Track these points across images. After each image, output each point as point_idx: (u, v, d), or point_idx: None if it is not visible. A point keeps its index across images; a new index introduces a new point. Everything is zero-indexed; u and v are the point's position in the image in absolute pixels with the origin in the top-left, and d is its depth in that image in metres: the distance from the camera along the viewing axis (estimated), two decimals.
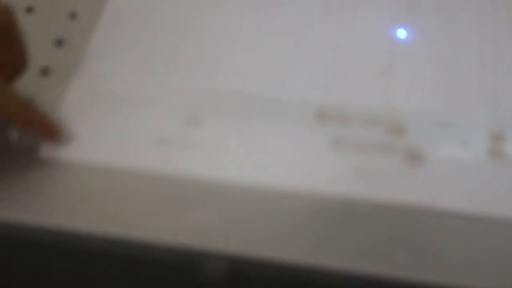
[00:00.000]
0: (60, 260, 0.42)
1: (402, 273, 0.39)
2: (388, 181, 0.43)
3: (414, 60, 0.48)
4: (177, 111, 0.46)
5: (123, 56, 0.49)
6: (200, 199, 0.42)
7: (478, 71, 0.48)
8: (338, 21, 0.50)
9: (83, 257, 0.41)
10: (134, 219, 0.41)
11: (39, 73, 0.48)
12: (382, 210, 0.42)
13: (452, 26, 0.50)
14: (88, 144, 0.44)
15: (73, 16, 0.51)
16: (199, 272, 0.40)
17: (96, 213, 0.41)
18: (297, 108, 0.46)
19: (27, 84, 0.47)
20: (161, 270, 0.41)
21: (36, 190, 0.42)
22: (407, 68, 0.48)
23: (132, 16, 0.51)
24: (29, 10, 0.52)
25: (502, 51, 0.49)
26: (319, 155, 0.44)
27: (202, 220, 0.41)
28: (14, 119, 0.43)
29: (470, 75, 0.48)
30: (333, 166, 0.44)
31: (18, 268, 0.43)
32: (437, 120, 0.45)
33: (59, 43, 0.50)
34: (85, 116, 0.46)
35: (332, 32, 0.50)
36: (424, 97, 0.46)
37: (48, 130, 0.44)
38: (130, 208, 0.42)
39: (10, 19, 0.42)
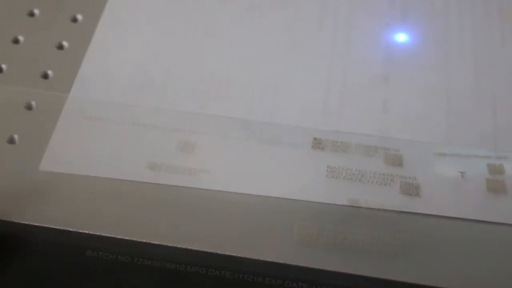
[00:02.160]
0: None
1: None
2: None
3: (410, 66, 0.49)
4: (171, 135, 0.46)
5: (119, 63, 0.50)
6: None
7: (473, 76, 0.48)
8: (333, 28, 0.51)
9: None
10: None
11: (40, 77, 0.49)
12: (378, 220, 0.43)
13: (447, 30, 0.50)
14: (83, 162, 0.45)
15: (74, 20, 0.52)
16: None
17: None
18: (293, 132, 0.46)
19: (29, 87, 0.48)
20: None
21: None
22: (403, 75, 0.48)
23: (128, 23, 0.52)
24: (31, 14, 0.52)
25: (496, 55, 0.49)
26: (314, 182, 0.44)
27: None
28: None
29: (466, 81, 0.48)
30: (327, 194, 0.44)
31: None
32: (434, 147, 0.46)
33: (60, 47, 0.51)
34: (80, 132, 0.46)
35: (327, 39, 0.50)
36: (420, 109, 0.47)
37: None
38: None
39: None
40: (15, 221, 0.42)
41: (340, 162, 0.45)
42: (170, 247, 0.41)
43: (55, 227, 0.42)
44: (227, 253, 0.41)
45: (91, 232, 0.41)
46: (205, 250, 0.41)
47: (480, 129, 0.46)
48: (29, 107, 0.47)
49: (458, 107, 0.46)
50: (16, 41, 0.51)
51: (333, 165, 0.45)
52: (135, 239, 0.41)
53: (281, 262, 0.40)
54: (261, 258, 0.41)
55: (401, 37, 0.50)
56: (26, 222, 0.42)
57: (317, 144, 0.45)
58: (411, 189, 0.44)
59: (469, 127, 0.46)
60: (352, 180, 0.44)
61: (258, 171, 0.44)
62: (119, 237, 0.41)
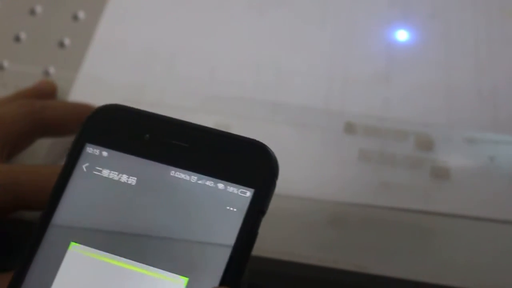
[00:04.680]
0: None
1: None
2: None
3: (412, 64, 0.49)
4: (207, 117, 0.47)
5: (121, 61, 0.50)
6: None
7: (474, 74, 0.48)
8: (335, 27, 0.51)
9: None
10: None
11: (42, 75, 0.49)
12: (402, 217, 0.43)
13: (448, 29, 0.51)
14: None
15: (75, 18, 0.52)
16: None
17: None
18: (326, 118, 0.47)
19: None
20: None
21: None
22: (405, 73, 0.48)
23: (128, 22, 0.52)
24: (32, 12, 0.53)
25: (497, 53, 0.49)
26: (345, 166, 0.45)
27: None
28: None
29: (467, 78, 0.48)
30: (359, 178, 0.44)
31: None
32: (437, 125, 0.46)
33: (61, 45, 0.51)
34: None
35: (329, 37, 0.51)
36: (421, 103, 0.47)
37: None
38: None
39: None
40: None
41: (371, 146, 0.45)
42: None
43: None
44: None
45: None
46: None
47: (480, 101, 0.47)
48: None
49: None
50: (17, 39, 0.51)
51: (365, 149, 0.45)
52: None
53: None
54: None
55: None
56: None
57: (350, 128, 0.46)
58: (441, 173, 0.44)
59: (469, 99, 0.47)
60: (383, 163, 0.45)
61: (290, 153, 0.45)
62: None
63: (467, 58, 0.49)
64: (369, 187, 0.44)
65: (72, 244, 0.32)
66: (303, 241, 0.42)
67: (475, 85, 0.48)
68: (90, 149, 0.33)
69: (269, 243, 0.41)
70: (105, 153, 0.33)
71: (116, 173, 0.33)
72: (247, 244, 0.31)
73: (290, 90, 0.48)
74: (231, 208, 0.31)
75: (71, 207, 0.33)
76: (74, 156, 0.33)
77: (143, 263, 0.31)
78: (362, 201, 0.43)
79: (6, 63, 0.50)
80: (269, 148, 0.32)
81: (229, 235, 0.31)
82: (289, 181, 0.43)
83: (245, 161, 0.32)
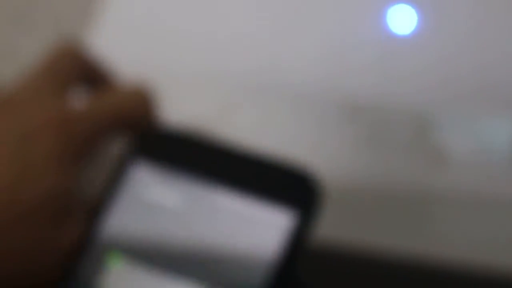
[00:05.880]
0: None
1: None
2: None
3: (412, 45, 0.49)
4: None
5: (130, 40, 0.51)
6: None
7: (473, 55, 0.49)
8: (335, 7, 0.52)
9: None
10: None
11: None
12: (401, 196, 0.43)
13: (448, 10, 0.51)
14: None
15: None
16: None
17: None
18: (323, 99, 0.47)
19: None
20: None
21: None
22: (404, 54, 0.49)
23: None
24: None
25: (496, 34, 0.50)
26: (344, 147, 0.45)
27: None
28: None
29: (466, 59, 0.49)
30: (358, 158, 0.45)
31: None
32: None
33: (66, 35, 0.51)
34: None
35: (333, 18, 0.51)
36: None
37: None
38: None
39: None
40: None
41: (370, 127, 0.46)
42: None
43: None
44: None
45: None
46: None
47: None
48: None
49: None
50: None
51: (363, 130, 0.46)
52: None
53: None
54: None
55: None
56: None
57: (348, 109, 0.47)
58: (440, 153, 0.45)
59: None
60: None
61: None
62: None
63: (466, 40, 0.49)
64: (368, 167, 0.44)
65: (113, 256, 0.32)
66: None
67: (474, 67, 0.48)
68: (137, 169, 0.34)
69: None
70: (152, 175, 0.33)
71: (162, 194, 0.33)
72: (290, 263, 0.31)
73: (287, 70, 0.48)
74: (273, 232, 0.32)
75: (115, 223, 0.33)
76: (121, 173, 0.33)
77: (185, 279, 0.31)
78: (361, 180, 0.44)
79: None
80: (313, 175, 0.33)
81: (269, 259, 0.31)
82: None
83: (288, 188, 0.32)
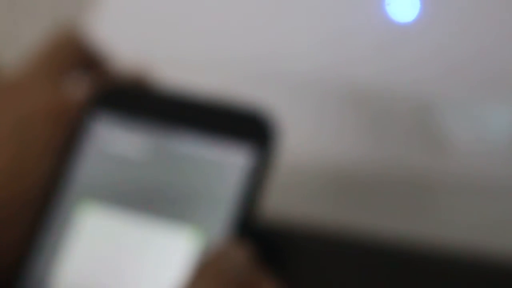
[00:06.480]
0: None
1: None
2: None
3: (414, 30, 0.49)
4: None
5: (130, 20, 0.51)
6: None
7: (475, 40, 0.49)
8: None
9: None
10: None
11: None
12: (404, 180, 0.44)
13: None
14: None
15: None
16: None
17: None
18: (326, 84, 0.47)
19: None
20: None
21: None
22: (406, 39, 0.49)
23: None
24: None
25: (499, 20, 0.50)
26: (346, 131, 0.46)
27: None
28: None
29: (468, 44, 0.49)
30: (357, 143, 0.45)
31: None
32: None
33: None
34: None
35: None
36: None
37: None
38: None
39: None
40: None
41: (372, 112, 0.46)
42: None
43: None
44: None
45: None
46: None
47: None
48: None
49: None
50: None
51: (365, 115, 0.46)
52: None
53: None
54: None
55: None
56: None
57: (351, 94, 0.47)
58: (442, 137, 0.45)
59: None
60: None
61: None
62: None
63: (468, 27, 0.49)
64: (369, 154, 0.45)
65: (82, 206, 0.33)
66: (307, 205, 0.43)
67: (476, 54, 0.48)
68: (97, 122, 0.35)
69: (277, 206, 0.42)
70: (112, 127, 0.34)
71: (124, 144, 0.34)
72: (252, 198, 0.33)
73: (290, 55, 0.48)
74: (235, 171, 0.33)
75: (80, 174, 0.34)
76: (81, 128, 0.35)
77: (153, 216, 0.33)
78: (362, 167, 0.44)
79: None
80: (269, 114, 0.34)
81: (234, 196, 0.33)
82: (290, 147, 0.44)
83: (246, 128, 0.34)
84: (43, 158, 0.34)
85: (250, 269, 0.30)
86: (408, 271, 0.41)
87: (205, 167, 0.33)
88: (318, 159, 0.45)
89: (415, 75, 0.48)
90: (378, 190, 0.44)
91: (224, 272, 0.29)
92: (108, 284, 0.32)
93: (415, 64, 0.48)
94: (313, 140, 0.46)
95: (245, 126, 0.34)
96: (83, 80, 0.38)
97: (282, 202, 0.43)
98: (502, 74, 0.47)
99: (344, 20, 0.50)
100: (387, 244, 0.41)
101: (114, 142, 0.34)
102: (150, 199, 0.33)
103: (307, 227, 0.42)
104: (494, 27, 0.49)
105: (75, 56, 0.38)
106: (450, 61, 0.48)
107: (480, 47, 0.48)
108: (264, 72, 0.48)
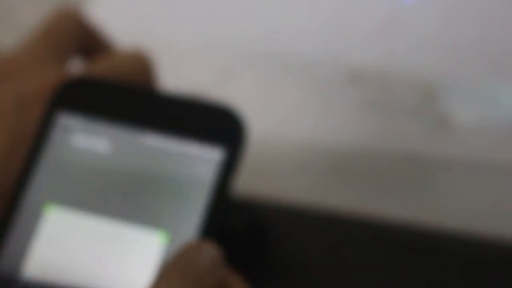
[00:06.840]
0: None
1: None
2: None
3: (417, 13, 0.49)
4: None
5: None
6: None
7: (479, 23, 0.49)
8: None
9: None
10: None
11: None
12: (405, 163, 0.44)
13: None
14: None
15: None
16: None
17: None
18: (329, 67, 0.47)
19: None
20: None
21: None
22: (410, 22, 0.49)
23: None
24: None
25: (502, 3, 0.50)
26: (349, 115, 0.45)
27: None
28: None
29: (472, 27, 0.48)
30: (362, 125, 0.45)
31: None
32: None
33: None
34: None
35: None
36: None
37: None
38: None
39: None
40: None
41: (375, 95, 0.46)
42: None
43: None
44: None
45: None
46: None
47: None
48: None
49: None
50: None
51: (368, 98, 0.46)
52: None
53: None
54: None
55: None
56: None
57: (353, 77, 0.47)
58: (445, 120, 0.45)
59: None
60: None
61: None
62: None
63: (472, 6, 0.49)
64: (373, 135, 0.44)
65: (48, 205, 0.33)
66: (307, 187, 0.43)
67: (480, 33, 0.48)
68: (62, 118, 0.34)
69: (273, 188, 0.42)
70: (76, 122, 0.34)
71: (91, 141, 0.34)
72: (220, 200, 0.32)
73: (292, 38, 0.48)
74: (203, 167, 0.33)
75: (45, 171, 0.33)
76: (45, 124, 0.34)
77: (120, 219, 0.32)
78: (366, 148, 0.44)
79: None
80: (236, 110, 0.34)
81: (202, 192, 0.32)
82: (293, 130, 0.44)
83: (214, 124, 0.34)
84: None
85: (218, 269, 0.30)
86: (405, 250, 0.41)
87: (174, 165, 0.33)
88: (322, 142, 0.44)
89: (419, 54, 0.47)
90: (382, 169, 0.43)
91: (189, 272, 0.29)
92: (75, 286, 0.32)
93: (419, 43, 0.48)
94: (317, 122, 0.45)
95: (215, 124, 0.34)
96: (84, 60, 0.38)
97: (284, 185, 0.43)
98: (506, 53, 0.47)
99: (346, 0, 0.50)
100: (389, 224, 0.41)
101: (80, 139, 0.34)
102: (117, 199, 0.33)
103: (305, 206, 0.42)
104: (502, 5, 0.49)
105: (76, 35, 0.37)
106: (454, 40, 0.48)
107: (484, 26, 0.48)
108: (264, 54, 0.48)
